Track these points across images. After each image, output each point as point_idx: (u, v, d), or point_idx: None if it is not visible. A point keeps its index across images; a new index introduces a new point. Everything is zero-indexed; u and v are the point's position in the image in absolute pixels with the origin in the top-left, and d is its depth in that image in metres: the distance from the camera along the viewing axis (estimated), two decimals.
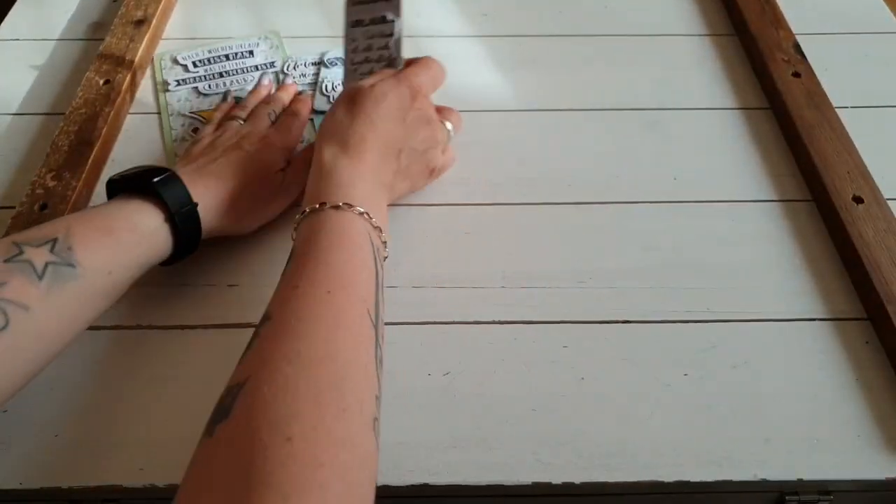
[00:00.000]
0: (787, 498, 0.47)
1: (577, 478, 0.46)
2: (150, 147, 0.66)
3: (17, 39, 0.78)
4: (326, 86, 0.71)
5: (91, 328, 0.53)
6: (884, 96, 0.71)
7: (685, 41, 0.78)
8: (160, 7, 0.77)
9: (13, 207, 0.59)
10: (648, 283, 0.56)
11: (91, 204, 0.61)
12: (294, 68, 0.73)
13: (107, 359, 0.52)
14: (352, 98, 0.54)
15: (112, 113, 0.66)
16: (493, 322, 0.54)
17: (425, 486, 0.46)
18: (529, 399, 0.49)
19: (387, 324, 0.53)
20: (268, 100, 0.66)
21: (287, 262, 0.46)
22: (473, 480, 0.46)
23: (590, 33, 0.79)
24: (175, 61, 0.74)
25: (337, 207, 0.47)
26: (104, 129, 0.64)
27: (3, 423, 0.48)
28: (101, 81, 0.69)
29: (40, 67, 0.74)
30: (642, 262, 0.57)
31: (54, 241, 0.44)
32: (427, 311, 0.54)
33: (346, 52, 0.61)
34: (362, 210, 0.48)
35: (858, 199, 0.59)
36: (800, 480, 0.46)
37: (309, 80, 0.72)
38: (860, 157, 0.62)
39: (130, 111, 0.70)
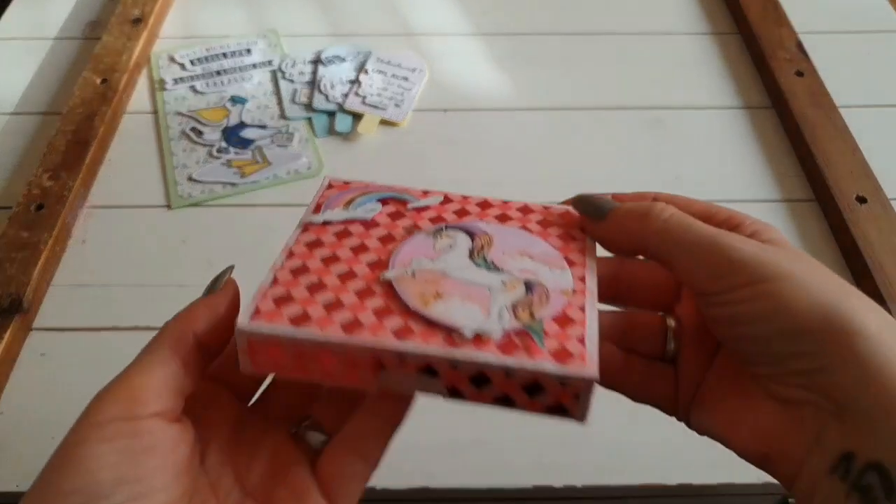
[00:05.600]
0: (790, 501, 0.47)
1: (579, 481, 0.46)
2: (148, 147, 0.66)
3: (14, 38, 0.77)
4: (324, 84, 0.70)
5: (90, 328, 0.53)
6: (887, 95, 0.71)
7: (687, 39, 0.77)
8: (157, 5, 0.76)
9: (10, 208, 0.58)
10: None
11: (88, 204, 0.61)
12: (292, 66, 0.73)
13: (105, 359, 0.51)
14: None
15: (109, 112, 0.65)
16: None
17: (425, 489, 0.45)
18: None
19: None
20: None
21: None
22: (473, 484, 0.45)
23: (591, 31, 0.78)
24: (172, 60, 0.74)
25: None
26: (101, 129, 0.64)
27: None
28: (98, 80, 0.68)
29: (37, 67, 0.74)
30: None
31: None
32: None
33: None
34: None
35: (862, 199, 0.58)
36: None
37: (307, 78, 0.71)
38: (863, 157, 0.62)
39: (127, 110, 0.69)
